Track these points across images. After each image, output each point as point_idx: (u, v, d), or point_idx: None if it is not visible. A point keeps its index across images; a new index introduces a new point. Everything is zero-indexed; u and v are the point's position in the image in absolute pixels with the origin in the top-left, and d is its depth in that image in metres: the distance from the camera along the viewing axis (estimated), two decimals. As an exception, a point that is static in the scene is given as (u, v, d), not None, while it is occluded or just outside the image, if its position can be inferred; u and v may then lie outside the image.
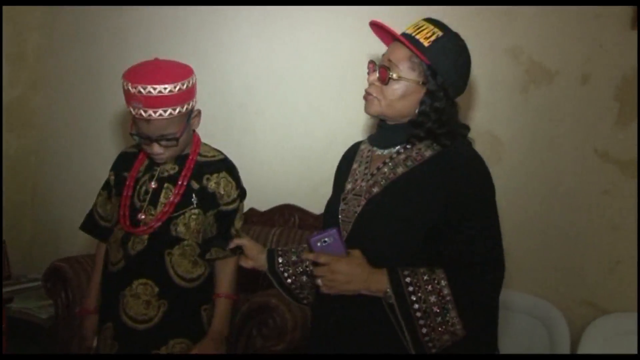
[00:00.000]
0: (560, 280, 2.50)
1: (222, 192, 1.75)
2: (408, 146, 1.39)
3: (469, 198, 1.30)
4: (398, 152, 1.40)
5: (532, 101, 2.54)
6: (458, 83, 1.38)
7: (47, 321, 2.93)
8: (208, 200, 1.74)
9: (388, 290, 1.26)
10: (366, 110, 1.41)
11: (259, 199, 2.81)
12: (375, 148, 1.45)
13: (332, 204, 1.46)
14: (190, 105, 1.66)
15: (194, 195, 1.73)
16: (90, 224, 1.89)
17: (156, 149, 1.66)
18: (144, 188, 1.75)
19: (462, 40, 1.38)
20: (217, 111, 3.00)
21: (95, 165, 3.15)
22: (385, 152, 1.42)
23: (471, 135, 1.42)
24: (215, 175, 1.75)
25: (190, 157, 1.75)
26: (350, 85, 2.60)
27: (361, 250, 1.31)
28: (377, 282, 1.27)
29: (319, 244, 1.29)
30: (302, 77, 2.97)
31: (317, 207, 2.80)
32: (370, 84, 1.39)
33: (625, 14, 2.38)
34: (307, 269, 1.54)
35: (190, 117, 1.69)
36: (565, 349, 2.33)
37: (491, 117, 2.59)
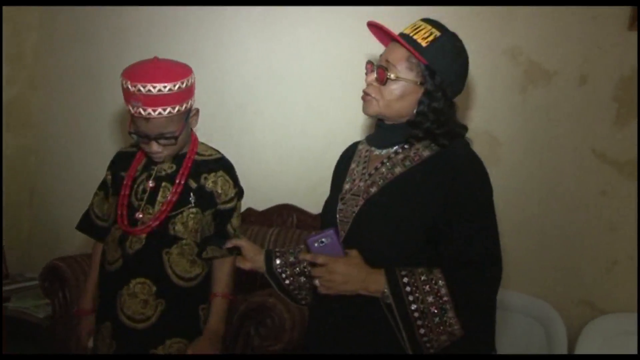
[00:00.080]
0: (558, 280, 2.50)
1: (220, 191, 1.75)
2: (406, 146, 1.39)
3: (466, 198, 1.30)
4: (396, 152, 1.40)
5: (530, 101, 2.55)
6: (456, 83, 1.38)
7: (44, 320, 2.93)
8: (206, 199, 1.74)
9: (386, 290, 1.26)
10: (364, 110, 1.41)
11: (257, 198, 2.82)
12: (373, 148, 1.46)
13: (330, 204, 1.46)
14: (189, 104, 1.67)
15: (191, 194, 1.73)
16: (87, 224, 1.89)
17: (155, 147, 1.66)
18: (141, 187, 1.75)
19: (459, 41, 1.38)
20: (216, 111, 3.00)
21: (94, 165, 3.13)
22: (383, 152, 1.42)
23: (469, 135, 1.42)
24: (212, 174, 1.76)
25: (188, 156, 1.76)
26: (348, 85, 2.59)
27: (359, 251, 1.31)
28: (375, 283, 1.27)
29: (316, 245, 1.29)
30: (300, 78, 2.97)
31: (315, 207, 2.80)
32: (369, 85, 1.39)
33: (623, 15, 2.38)
34: (305, 269, 1.54)
35: (188, 116, 1.69)
36: (562, 349, 2.33)
37: (489, 117, 2.59)
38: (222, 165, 1.79)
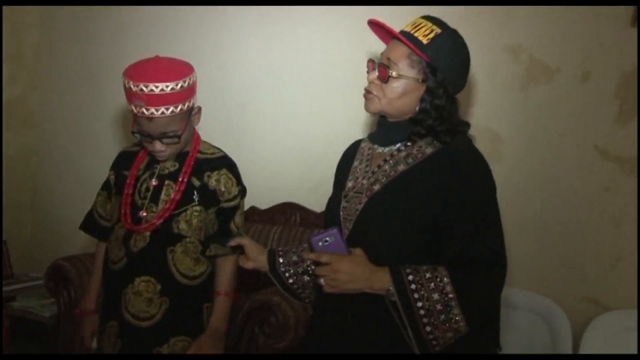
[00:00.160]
0: (562, 278, 2.50)
1: (223, 189, 1.75)
2: (409, 144, 1.39)
3: (470, 195, 1.29)
4: (399, 150, 1.40)
5: (532, 98, 2.54)
6: (458, 80, 1.38)
7: (49, 320, 2.94)
8: (209, 197, 1.74)
9: (391, 288, 1.26)
10: (366, 108, 1.42)
11: (259, 197, 2.82)
12: (375, 146, 1.46)
13: (333, 202, 1.46)
14: (191, 102, 1.67)
15: (195, 192, 1.73)
16: (90, 224, 1.90)
17: (158, 146, 1.67)
18: (144, 186, 1.75)
19: (460, 37, 1.38)
20: (216, 111, 3.01)
21: (95, 164, 3.15)
22: (386, 149, 1.42)
23: (471, 132, 1.42)
24: (215, 172, 1.76)
25: (191, 154, 1.76)
26: (349, 83, 2.59)
27: (363, 248, 1.31)
28: (380, 281, 1.27)
29: (320, 244, 1.29)
30: (301, 76, 2.97)
31: (317, 205, 2.81)
32: (370, 83, 1.39)
33: (625, 12, 2.38)
34: (308, 268, 1.54)
35: (191, 114, 1.70)
36: (567, 346, 2.33)
37: (492, 114, 2.59)
38: (225, 163, 1.79)
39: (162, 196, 1.72)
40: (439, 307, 1.23)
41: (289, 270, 1.56)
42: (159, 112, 1.59)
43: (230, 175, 1.78)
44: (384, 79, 1.36)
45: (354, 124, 2.74)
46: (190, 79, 1.63)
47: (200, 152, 1.78)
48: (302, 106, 2.98)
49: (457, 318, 1.23)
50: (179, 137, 1.66)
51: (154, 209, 1.72)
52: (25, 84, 3.61)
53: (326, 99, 2.92)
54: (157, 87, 1.56)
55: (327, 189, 1.55)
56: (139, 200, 1.74)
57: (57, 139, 3.61)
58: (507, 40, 2.56)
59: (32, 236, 3.70)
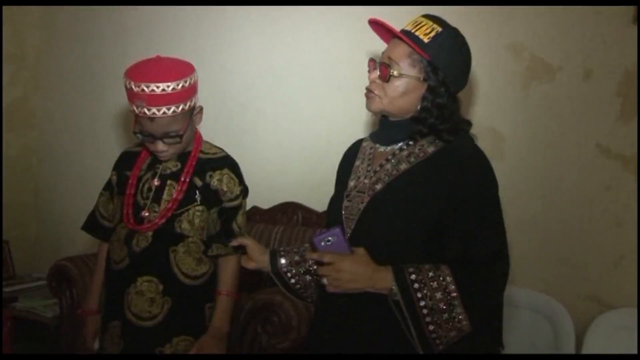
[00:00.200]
0: (564, 276, 2.50)
1: (225, 189, 1.75)
2: (410, 142, 1.39)
3: (472, 194, 1.29)
4: (401, 149, 1.40)
5: (534, 97, 2.54)
6: (459, 78, 1.38)
7: (52, 320, 2.95)
8: (211, 197, 1.75)
9: (393, 287, 1.25)
10: (368, 107, 1.42)
11: (261, 197, 2.82)
12: (377, 145, 1.46)
13: (335, 201, 1.46)
14: (193, 102, 1.67)
15: (197, 191, 1.73)
16: (92, 224, 1.90)
17: (160, 146, 1.67)
18: (146, 186, 1.75)
19: (461, 36, 1.38)
20: (218, 111, 3.01)
21: (97, 165, 3.16)
22: (388, 148, 1.42)
23: (473, 131, 1.42)
24: (217, 172, 1.76)
25: (193, 154, 1.76)
26: (350, 83, 2.60)
27: (365, 247, 1.31)
28: (382, 280, 1.27)
29: (322, 244, 1.29)
30: (302, 76, 2.97)
31: (319, 204, 2.81)
32: (371, 82, 1.40)
33: (626, 10, 2.37)
34: (311, 268, 1.54)
35: (192, 114, 1.70)
36: (570, 345, 2.33)
37: (493, 113, 2.59)
38: (227, 163, 1.79)
39: (165, 196, 1.72)
40: (442, 305, 1.23)
41: (291, 271, 1.56)
42: (161, 112, 1.59)
43: (233, 175, 1.78)
44: (385, 78, 1.36)
45: (355, 123, 2.74)
46: (191, 79, 1.63)
47: (202, 152, 1.78)
48: (304, 106, 2.98)
49: (460, 317, 1.23)
50: (180, 136, 1.66)
51: (156, 209, 1.72)
52: (27, 84, 3.61)
53: (327, 98, 2.92)
54: (158, 87, 1.56)
55: (329, 188, 1.55)
56: (141, 200, 1.74)
57: (59, 140, 3.61)
58: (508, 39, 2.56)
59: (34, 237, 3.71)
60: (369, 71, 1.41)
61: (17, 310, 3.05)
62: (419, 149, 1.37)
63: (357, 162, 1.48)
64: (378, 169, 1.40)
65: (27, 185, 3.66)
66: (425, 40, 1.33)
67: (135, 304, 1.70)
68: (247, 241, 1.58)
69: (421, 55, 1.34)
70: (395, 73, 1.35)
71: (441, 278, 1.24)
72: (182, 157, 1.76)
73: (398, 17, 1.61)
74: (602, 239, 2.44)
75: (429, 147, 1.37)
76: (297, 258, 1.57)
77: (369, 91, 1.40)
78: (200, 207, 1.73)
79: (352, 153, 1.54)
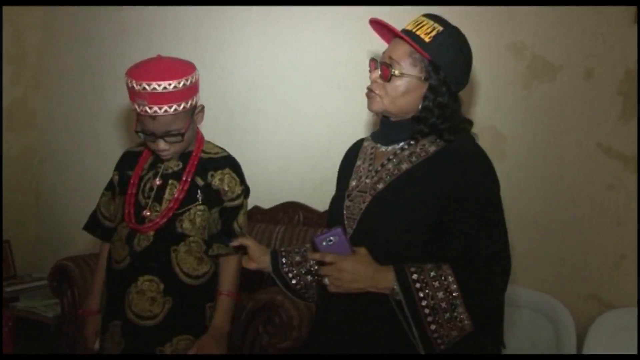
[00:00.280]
0: (565, 276, 2.49)
1: (226, 189, 1.75)
2: (412, 142, 1.39)
3: (473, 193, 1.30)
4: (402, 149, 1.40)
5: (535, 96, 2.54)
6: (460, 77, 1.38)
7: (53, 320, 2.95)
8: (212, 196, 1.75)
9: (395, 287, 1.25)
10: (369, 107, 1.42)
11: (262, 197, 2.82)
12: (378, 145, 1.46)
13: (337, 201, 1.46)
14: (194, 100, 1.67)
15: (199, 191, 1.73)
16: (94, 224, 1.90)
17: (161, 145, 1.67)
18: (148, 185, 1.75)
19: (462, 35, 1.38)
20: (219, 111, 3.01)
21: (97, 164, 3.16)
22: (389, 148, 1.42)
23: (474, 130, 1.42)
24: (219, 171, 1.76)
25: (194, 154, 1.76)
26: (351, 82, 2.60)
27: (366, 247, 1.31)
28: (384, 280, 1.27)
29: (324, 244, 1.29)
30: (303, 76, 2.97)
31: (321, 204, 2.80)
32: (373, 82, 1.40)
33: (627, 9, 2.37)
34: (312, 268, 1.54)
35: (194, 113, 1.70)
36: (571, 344, 2.33)
37: (494, 112, 2.59)
38: (229, 163, 1.79)
39: (166, 195, 1.72)
40: (443, 305, 1.23)
41: (292, 271, 1.56)
42: (162, 110, 1.59)
43: (234, 175, 1.78)
44: (387, 78, 1.36)
45: (356, 123, 2.74)
46: (192, 77, 1.64)
47: (203, 151, 1.78)
48: (305, 105, 2.98)
49: (462, 316, 1.23)
50: (182, 135, 1.66)
51: (158, 209, 1.72)
52: (28, 84, 3.61)
53: (328, 98, 2.91)
54: (159, 85, 1.57)
55: (330, 188, 1.55)
56: (142, 200, 1.74)
57: (59, 140, 3.61)
58: (509, 38, 2.55)
59: (35, 236, 3.71)
60: (370, 71, 1.41)
61: (18, 310, 3.05)
62: (420, 149, 1.37)
63: (358, 162, 1.48)
64: (379, 168, 1.40)
65: (27, 185, 3.66)
66: (426, 39, 1.33)
67: (136, 304, 1.70)
68: (248, 242, 1.58)
69: (422, 55, 1.34)
70: (396, 73, 1.35)
71: (443, 278, 1.24)
72: (184, 156, 1.76)
73: (399, 17, 1.61)
74: (603, 238, 2.44)
75: (430, 147, 1.37)
76: (298, 258, 1.57)
77: (370, 91, 1.40)
78: (201, 207, 1.73)
79: (353, 153, 1.54)
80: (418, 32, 1.35)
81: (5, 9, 3.36)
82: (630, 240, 2.39)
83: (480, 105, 2.60)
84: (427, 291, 1.24)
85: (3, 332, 2.80)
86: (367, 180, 1.40)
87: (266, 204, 2.99)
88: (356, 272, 1.27)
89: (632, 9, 2.35)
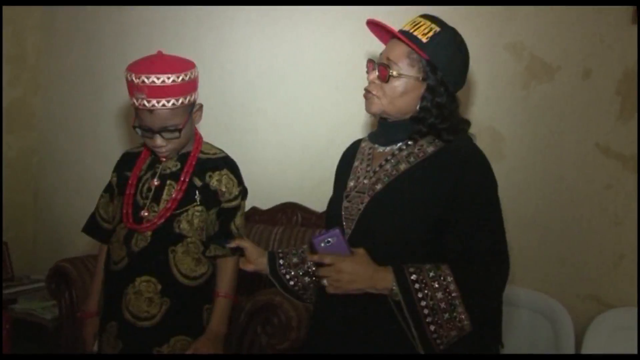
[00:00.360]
0: (564, 275, 2.49)
1: (224, 190, 1.75)
2: (410, 143, 1.39)
3: (471, 194, 1.29)
4: (400, 149, 1.40)
5: (533, 96, 2.54)
6: (457, 77, 1.38)
7: (51, 322, 2.94)
8: (210, 197, 1.74)
9: (394, 287, 1.25)
10: (367, 109, 1.41)
11: (261, 197, 2.82)
12: (376, 145, 1.45)
13: (335, 202, 1.46)
14: (193, 97, 1.67)
15: (197, 192, 1.73)
16: (92, 226, 1.90)
17: (158, 141, 1.67)
18: (146, 186, 1.75)
19: (459, 35, 1.38)
20: (218, 110, 3.01)
21: (96, 166, 3.16)
22: (387, 149, 1.42)
23: (472, 130, 1.42)
24: (217, 172, 1.76)
25: (192, 154, 1.76)
26: (350, 83, 2.59)
27: (365, 248, 1.30)
28: (383, 280, 1.26)
29: (322, 245, 1.29)
30: (303, 76, 2.97)
31: (319, 205, 2.80)
32: (370, 83, 1.39)
33: (626, 9, 2.37)
34: (309, 270, 1.54)
35: (192, 110, 1.70)
36: (570, 344, 2.33)
37: (493, 112, 2.59)
38: (227, 163, 1.79)
39: (164, 196, 1.72)
40: (442, 305, 1.23)
41: (290, 272, 1.56)
42: (160, 104, 1.59)
43: (232, 176, 1.78)
44: (385, 78, 1.36)
45: (355, 123, 2.74)
46: (192, 73, 1.65)
47: (202, 152, 1.78)
48: (304, 106, 2.98)
49: (461, 317, 1.23)
50: (179, 131, 1.66)
51: (156, 209, 1.72)
52: (27, 85, 3.61)
53: (327, 98, 2.92)
54: (158, 78, 1.58)
55: (329, 189, 1.55)
56: (140, 200, 1.74)
57: (58, 141, 3.61)
58: (508, 39, 2.55)
59: (33, 238, 3.70)
60: (367, 72, 1.41)
61: (16, 312, 3.05)
62: (419, 149, 1.37)
63: (356, 163, 1.48)
64: (377, 169, 1.40)
65: (26, 186, 3.66)
66: (424, 40, 1.33)
67: (133, 304, 1.70)
68: (245, 243, 1.57)
69: (420, 55, 1.34)
70: (394, 73, 1.35)
71: (442, 278, 1.24)
72: (182, 157, 1.76)
73: (396, 18, 1.61)
74: (601, 238, 2.44)
75: (428, 147, 1.37)
76: (295, 260, 1.57)
77: (367, 92, 1.40)
78: (199, 208, 1.73)
79: (350, 153, 1.54)
80: (415, 33, 1.35)
81: (4, 9, 3.36)
82: (629, 240, 2.39)
83: (479, 106, 2.60)
84: (426, 292, 1.23)
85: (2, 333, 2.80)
86: (365, 181, 1.40)
87: (265, 205, 2.98)
88: (355, 272, 1.27)
89: (631, 9, 2.36)
